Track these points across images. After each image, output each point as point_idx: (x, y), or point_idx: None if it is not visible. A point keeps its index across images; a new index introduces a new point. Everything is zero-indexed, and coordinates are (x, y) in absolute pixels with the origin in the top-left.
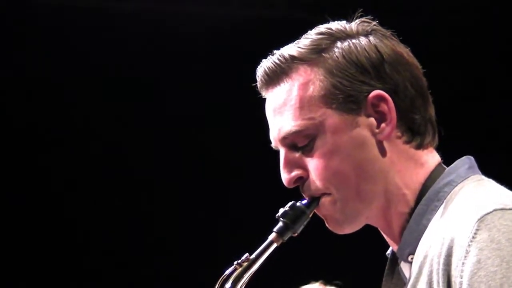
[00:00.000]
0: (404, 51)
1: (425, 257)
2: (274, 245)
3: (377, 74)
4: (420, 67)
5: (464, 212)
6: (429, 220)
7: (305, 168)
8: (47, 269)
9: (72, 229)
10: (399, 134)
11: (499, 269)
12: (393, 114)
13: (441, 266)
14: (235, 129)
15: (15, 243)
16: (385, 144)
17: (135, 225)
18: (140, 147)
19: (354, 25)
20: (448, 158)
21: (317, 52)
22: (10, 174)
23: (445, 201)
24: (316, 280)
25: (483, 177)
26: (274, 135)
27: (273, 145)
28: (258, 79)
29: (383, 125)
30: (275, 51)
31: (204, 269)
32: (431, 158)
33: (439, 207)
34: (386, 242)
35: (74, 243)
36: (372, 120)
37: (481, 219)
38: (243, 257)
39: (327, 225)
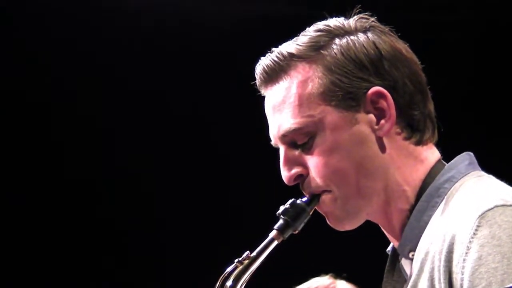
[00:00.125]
0: (403, 47)
1: (426, 254)
2: (275, 243)
3: (376, 71)
4: (419, 63)
5: (465, 209)
6: (430, 217)
7: (305, 166)
8: (46, 269)
9: (73, 229)
10: (398, 130)
11: (500, 265)
12: (392, 111)
13: (442, 263)
14: (235, 127)
15: (17, 243)
16: (385, 140)
17: (135, 225)
18: (140, 146)
19: (352, 22)
20: (449, 154)
21: (316, 49)
22: (10, 174)
23: (445, 197)
24: (325, 274)
25: (483, 173)
26: (274, 133)
27: (272, 142)
28: (257, 76)
29: (382, 121)
30: (273, 49)
31: (205, 267)
32: (431, 154)
33: (440, 203)
34: (387, 239)
35: (75, 243)
36: (372, 116)
37: (482, 216)
38: (244, 255)
39: (328, 222)
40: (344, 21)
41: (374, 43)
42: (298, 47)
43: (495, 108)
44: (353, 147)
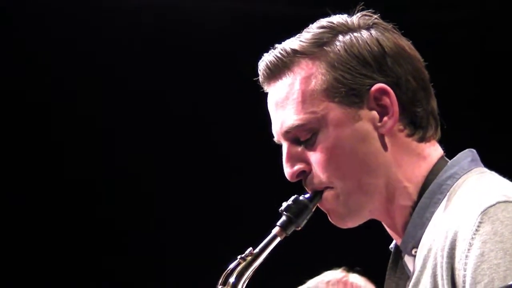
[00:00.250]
0: (406, 44)
1: (429, 251)
2: (278, 239)
3: (379, 68)
4: (422, 60)
5: (467, 205)
6: (432, 213)
7: (307, 162)
8: (46, 269)
9: (73, 229)
10: (401, 127)
11: (502, 261)
12: (395, 108)
13: (444, 259)
14: (235, 127)
15: (17, 243)
16: (387, 137)
17: (135, 225)
18: (140, 146)
19: (355, 19)
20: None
21: (319, 45)
22: (10, 174)
23: (448, 194)
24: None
25: (486, 169)
26: (277, 129)
27: (275, 139)
28: (260, 73)
29: (385, 118)
30: (276, 45)
31: (205, 267)
32: (434, 151)
33: (442, 200)
34: (389, 236)
35: (75, 243)
36: (375, 113)
37: (484, 212)
38: (247, 251)
39: (330, 219)
40: (347, 18)
41: (377, 40)
42: (302, 43)
43: (497, 106)
44: (355, 143)
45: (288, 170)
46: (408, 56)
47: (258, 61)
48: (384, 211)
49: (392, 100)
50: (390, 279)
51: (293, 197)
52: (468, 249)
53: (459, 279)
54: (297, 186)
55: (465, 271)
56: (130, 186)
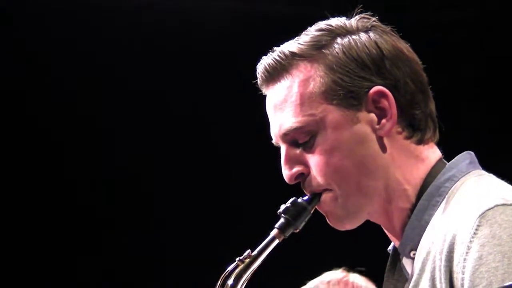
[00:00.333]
0: (404, 46)
1: (427, 253)
2: (276, 241)
3: (378, 70)
4: (420, 62)
5: (466, 208)
6: (431, 216)
7: (306, 165)
8: (46, 269)
9: (73, 229)
10: (399, 129)
11: (500, 265)
12: (393, 110)
13: (443, 263)
14: (235, 127)
15: (17, 243)
16: (386, 140)
17: (135, 225)
18: (140, 146)
19: (354, 22)
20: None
21: (317, 48)
22: (10, 174)
23: (446, 196)
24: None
25: (484, 172)
26: (275, 132)
27: (274, 141)
28: (258, 76)
29: (383, 121)
30: (275, 48)
31: (205, 267)
32: (432, 153)
33: (441, 202)
34: (388, 238)
35: (75, 243)
36: (373, 116)
37: (482, 215)
38: (245, 254)
39: (328, 221)
40: (345, 20)
41: (375, 42)
42: (300, 46)
43: (497, 106)
44: (354, 146)
45: (286, 173)
46: (407, 59)
47: (258, 61)
48: (383, 213)
49: (390, 103)
50: (388, 281)
51: (291, 200)
52: (467, 252)
53: (457, 282)
54: (296, 188)
55: (463, 274)
56: (130, 186)
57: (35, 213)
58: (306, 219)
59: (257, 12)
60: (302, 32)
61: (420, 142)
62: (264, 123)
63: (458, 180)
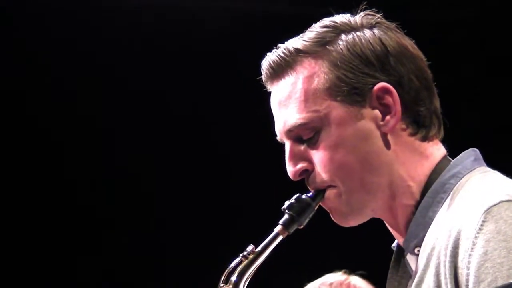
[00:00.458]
0: (409, 43)
1: (432, 249)
2: (280, 238)
3: (382, 67)
4: (425, 59)
5: (471, 204)
6: (435, 212)
7: (310, 161)
8: (46, 269)
9: (73, 229)
10: (404, 126)
11: (506, 260)
12: (398, 107)
13: (448, 258)
14: (235, 127)
15: (17, 243)
16: (390, 136)
17: (135, 225)
18: (140, 146)
19: (358, 18)
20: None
21: (322, 44)
22: (10, 174)
23: (451, 193)
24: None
25: (489, 169)
26: (280, 128)
27: (278, 138)
28: (263, 72)
29: (388, 117)
30: (279, 45)
31: (205, 267)
32: (437, 150)
33: (445, 199)
34: (391, 235)
35: (75, 243)
36: (377, 112)
37: (487, 211)
38: (249, 249)
39: (332, 217)
40: (350, 17)
41: (380, 39)
42: (304, 42)
43: (497, 106)
44: (358, 142)
45: (290, 169)
46: (411, 56)
47: (258, 61)
48: (387, 210)
49: (394, 99)
50: (392, 278)
51: (295, 196)
52: (472, 248)
53: (462, 278)
54: (300, 184)
55: (468, 269)
56: (130, 186)
57: (35, 213)
58: (310, 216)
59: (257, 12)
60: (302, 32)
61: (425, 139)
62: (264, 122)
63: (463, 177)
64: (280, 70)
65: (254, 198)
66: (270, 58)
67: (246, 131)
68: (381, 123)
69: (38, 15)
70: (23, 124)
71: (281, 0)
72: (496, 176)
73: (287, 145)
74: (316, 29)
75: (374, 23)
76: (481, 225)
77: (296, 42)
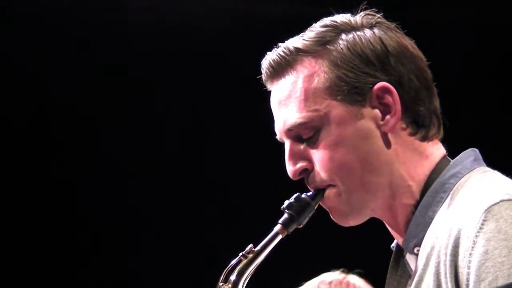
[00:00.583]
0: (409, 43)
1: (432, 249)
2: (279, 237)
3: (382, 66)
4: (425, 59)
5: (471, 203)
6: (435, 212)
7: (310, 160)
8: (46, 269)
9: (73, 229)
10: (404, 126)
11: (506, 259)
12: (397, 106)
13: (448, 257)
14: (238, 123)
15: (16, 243)
16: (390, 136)
17: (135, 224)
18: (140, 146)
19: (358, 18)
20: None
21: (322, 44)
22: (10, 174)
23: (451, 192)
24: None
25: (489, 169)
26: (279, 127)
27: (278, 137)
28: (263, 71)
29: (387, 117)
30: (280, 44)
31: (205, 268)
32: (436, 150)
33: (445, 198)
34: (391, 235)
35: (75, 243)
36: (377, 112)
37: (488, 210)
38: (248, 248)
39: (332, 217)
40: (350, 17)
41: (380, 39)
42: (305, 42)
43: (498, 106)
44: (358, 141)
45: (290, 168)
46: (411, 55)
47: (258, 61)
48: (387, 210)
49: (394, 99)
50: (392, 277)
51: (295, 195)
52: (472, 247)
53: (462, 277)
54: (300, 184)
55: (469, 269)
56: (130, 186)
57: (34, 213)
58: (310, 215)
59: (257, 12)
60: (302, 32)
61: (425, 138)
62: (264, 122)
63: (462, 177)
64: (280, 69)
65: (254, 197)
66: (270, 57)
67: (246, 131)
68: (381, 122)
69: (38, 15)
70: (23, 124)
71: (281, 1)
72: (496, 175)
73: (287, 144)
74: (316, 28)
75: (374, 23)
76: (482, 224)
77: (296, 41)
